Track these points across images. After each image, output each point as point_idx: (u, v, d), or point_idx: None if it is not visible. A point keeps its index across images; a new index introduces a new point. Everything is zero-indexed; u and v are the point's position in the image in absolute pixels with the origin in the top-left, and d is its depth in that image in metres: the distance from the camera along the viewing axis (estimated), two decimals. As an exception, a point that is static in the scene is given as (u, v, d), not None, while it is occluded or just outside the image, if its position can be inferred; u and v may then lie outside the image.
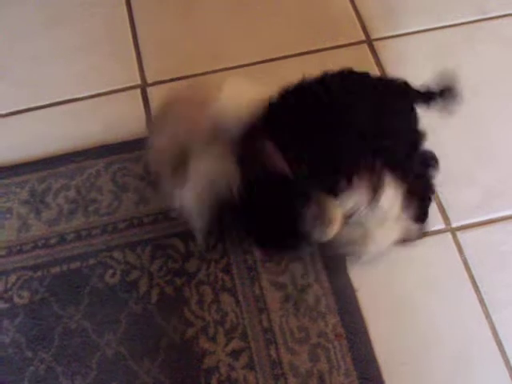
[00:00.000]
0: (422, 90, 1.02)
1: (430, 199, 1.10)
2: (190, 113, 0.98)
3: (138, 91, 1.30)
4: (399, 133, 0.98)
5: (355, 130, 0.92)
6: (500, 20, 1.39)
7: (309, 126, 0.91)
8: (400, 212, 1.01)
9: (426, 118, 1.07)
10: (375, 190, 0.95)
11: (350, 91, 0.95)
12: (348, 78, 0.98)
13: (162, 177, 1.02)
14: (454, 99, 1.01)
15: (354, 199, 0.94)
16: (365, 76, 1.00)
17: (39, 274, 1.09)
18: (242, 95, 0.97)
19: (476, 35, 1.37)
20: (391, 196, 0.97)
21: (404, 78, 1.03)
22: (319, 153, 0.90)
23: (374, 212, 0.96)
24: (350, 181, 0.92)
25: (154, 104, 1.27)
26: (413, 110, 1.01)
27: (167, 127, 0.99)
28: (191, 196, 0.98)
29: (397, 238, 1.06)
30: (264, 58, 1.34)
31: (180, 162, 0.96)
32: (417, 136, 1.02)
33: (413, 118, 1.01)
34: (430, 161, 1.06)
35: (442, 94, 1.02)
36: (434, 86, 1.02)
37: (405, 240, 1.08)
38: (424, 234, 1.10)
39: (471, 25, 1.39)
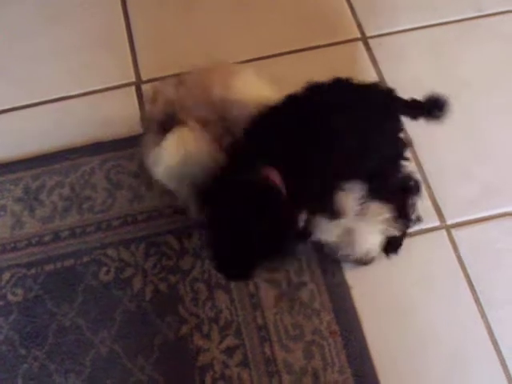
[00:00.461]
0: (409, 101, 1.01)
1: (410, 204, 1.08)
2: (203, 82, 0.98)
3: (133, 88, 1.30)
4: (382, 144, 0.97)
5: (340, 148, 0.91)
6: (496, 17, 1.39)
7: (293, 144, 0.90)
8: (385, 215, 1.01)
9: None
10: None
11: (335, 105, 0.93)
12: (334, 91, 0.96)
13: (148, 134, 1.02)
14: (441, 114, 1.00)
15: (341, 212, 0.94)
16: (350, 86, 0.98)
17: (33, 271, 1.09)
18: (253, 88, 0.97)
19: (472, 32, 1.37)
20: (374, 205, 0.98)
21: (390, 87, 1.01)
22: (306, 171, 0.90)
23: (360, 220, 0.97)
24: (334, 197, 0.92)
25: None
26: (396, 120, 1.00)
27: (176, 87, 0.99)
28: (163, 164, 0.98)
29: (381, 239, 1.05)
30: (259, 56, 1.34)
31: (171, 121, 0.96)
32: (399, 147, 1.01)
33: (396, 128, 1.00)
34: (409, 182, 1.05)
35: (428, 108, 1.00)
36: (422, 100, 1.00)
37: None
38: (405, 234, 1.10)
39: (467, 22, 1.39)
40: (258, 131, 0.92)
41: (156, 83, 1.08)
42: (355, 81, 0.97)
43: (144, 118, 1.09)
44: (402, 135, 1.00)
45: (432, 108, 0.99)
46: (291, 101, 0.94)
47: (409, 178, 1.05)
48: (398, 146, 1.00)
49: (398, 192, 1.02)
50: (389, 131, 0.98)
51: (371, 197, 0.95)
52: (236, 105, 0.94)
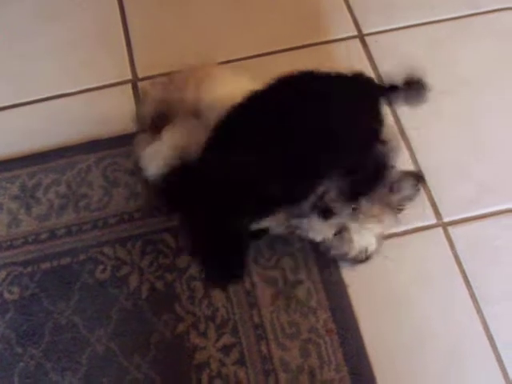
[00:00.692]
0: (387, 84, 1.00)
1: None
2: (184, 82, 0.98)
3: (129, 86, 1.30)
4: (358, 134, 0.96)
5: (318, 138, 0.90)
6: (493, 14, 1.39)
7: (269, 134, 0.90)
8: (377, 212, 1.00)
9: (420, 111, 1.07)
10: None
11: (312, 95, 0.92)
12: (310, 81, 0.95)
13: (141, 133, 1.02)
14: (420, 94, 0.99)
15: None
16: (326, 77, 0.98)
17: (29, 269, 1.09)
18: (228, 86, 0.97)
19: (469, 29, 1.37)
20: (366, 203, 0.97)
21: (367, 74, 1.01)
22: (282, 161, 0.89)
23: (350, 216, 0.96)
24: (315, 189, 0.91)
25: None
26: (376, 108, 0.99)
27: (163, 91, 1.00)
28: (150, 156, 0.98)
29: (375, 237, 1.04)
30: (257, 53, 1.34)
31: (162, 120, 0.97)
32: (375, 136, 1.00)
33: (375, 116, 0.99)
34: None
35: (407, 89, 0.99)
36: (399, 81, 1.00)
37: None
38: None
39: (464, 19, 1.38)
40: (222, 130, 0.92)
41: (146, 82, 1.08)
42: (331, 71, 0.96)
43: (137, 117, 1.09)
44: (382, 124, 0.99)
45: (409, 92, 0.99)
46: (255, 98, 0.93)
47: (383, 155, 1.03)
48: (376, 134, 0.98)
49: (378, 169, 1.01)
50: (366, 119, 0.97)
51: (357, 188, 0.95)
52: (210, 104, 0.95)
